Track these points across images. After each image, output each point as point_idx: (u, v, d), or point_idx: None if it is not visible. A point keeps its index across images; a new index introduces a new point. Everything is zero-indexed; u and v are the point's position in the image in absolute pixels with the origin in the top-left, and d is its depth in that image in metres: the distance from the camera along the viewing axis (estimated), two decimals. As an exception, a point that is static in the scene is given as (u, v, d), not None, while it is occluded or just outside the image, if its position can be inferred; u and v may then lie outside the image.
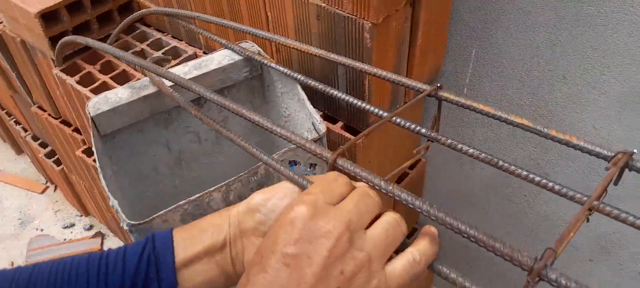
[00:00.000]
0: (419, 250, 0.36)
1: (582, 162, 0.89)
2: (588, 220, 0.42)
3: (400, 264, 0.35)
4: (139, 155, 0.77)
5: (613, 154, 0.41)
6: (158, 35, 1.12)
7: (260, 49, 0.78)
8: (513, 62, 0.86)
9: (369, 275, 0.33)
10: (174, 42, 1.08)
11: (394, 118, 0.52)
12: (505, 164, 0.48)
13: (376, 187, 0.39)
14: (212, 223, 0.44)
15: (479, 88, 0.94)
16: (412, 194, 0.37)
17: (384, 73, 0.56)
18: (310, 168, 0.64)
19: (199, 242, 0.43)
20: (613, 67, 0.75)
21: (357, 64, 0.60)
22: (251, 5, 0.83)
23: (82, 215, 1.79)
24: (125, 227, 0.56)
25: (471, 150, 0.51)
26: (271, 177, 0.62)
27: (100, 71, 1.02)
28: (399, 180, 1.05)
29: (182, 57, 1.03)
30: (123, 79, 1.00)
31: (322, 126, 0.63)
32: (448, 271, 0.36)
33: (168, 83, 0.72)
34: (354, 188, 0.37)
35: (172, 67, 0.88)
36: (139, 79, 0.74)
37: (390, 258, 0.35)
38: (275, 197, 0.42)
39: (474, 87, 0.95)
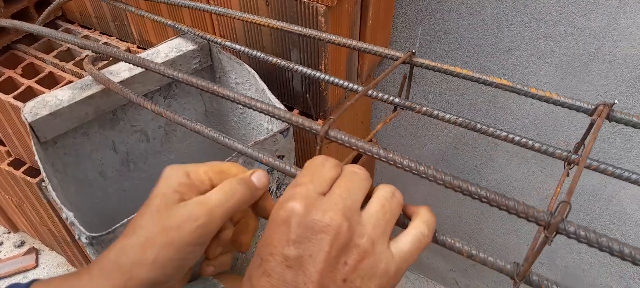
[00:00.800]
0: (426, 221, 0.35)
1: (528, 130, 0.93)
2: (568, 174, 0.43)
3: (408, 241, 0.34)
4: (85, 160, 0.70)
5: (594, 106, 0.42)
6: (84, 31, 1.03)
7: (211, 38, 0.73)
8: (459, 37, 0.88)
9: (375, 259, 0.32)
10: (104, 39, 1.00)
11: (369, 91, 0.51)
12: (483, 126, 0.49)
13: (374, 155, 0.38)
14: (80, 279, 0.36)
15: (426, 65, 0.96)
16: (414, 160, 0.36)
17: (357, 43, 0.55)
18: (278, 160, 0.61)
19: None
20: (555, 36, 0.78)
21: (324, 34, 0.58)
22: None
23: (10, 232, 1.64)
24: (84, 240, 0.51)
25: (448, 116, 0.51)
26: (250, 164, 0.59)
27: (22, 75, 0.92)
28: (354, 160, 1.05)
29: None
30: (51, 82, 0.91)
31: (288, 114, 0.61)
32: (452, 241, 0.36)
33: (118, 79, 0.67)
34: (341, 168, 0.36)
35: (105, 66, 0.81)
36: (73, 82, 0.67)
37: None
38: (190, 259, 0.37)
39: (421, 64, 0.96)
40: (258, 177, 0.40)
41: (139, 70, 0.69)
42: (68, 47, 0.97)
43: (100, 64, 0.91)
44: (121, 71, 0.68)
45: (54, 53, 0.95)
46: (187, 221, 0.35)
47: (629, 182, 0.42)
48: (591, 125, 0.43)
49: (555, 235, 0.31)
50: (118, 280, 0.34)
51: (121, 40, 0.99)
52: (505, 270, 0.34)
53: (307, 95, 0.79)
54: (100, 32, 1.02)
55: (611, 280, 1.10)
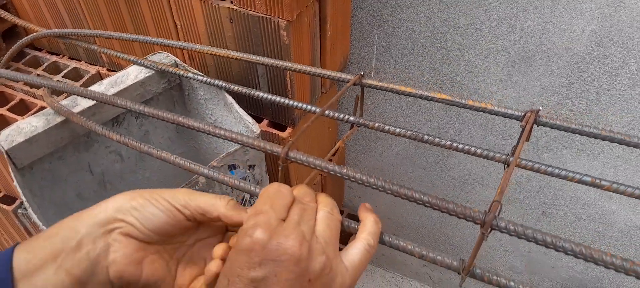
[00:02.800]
0: (370, 233, 0.40)
1: (483, 126, 1.00)
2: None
3: (357, 253, 0.38)
4: (61, 183, 0.73)
5: (523, 113, 0.48)
6: (52, 58, 1.05)
7: (176, 59, 0.77)
8: (412, 43, 0.94)
9: (333, 273, 0.36)
10: (73, 63, 1.02)
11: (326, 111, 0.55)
12: (430, 137, 0.53)
13: (330, 172, 0.42)
14: (63, 226, 0.39)
15: (384, 70, 1.01)
16: (365, 173, 0.41)
17: (313, 69, 0.60)
18: (249, 169, 0.65)
19: (41, 250, 0.37)
20: (498, 36, 0.85)
21: (284, 63, 0.62)
22: (157, 16, 0.82)
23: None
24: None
25: (397, 130, 0.56)
26: (213, 184, 0.63)
27: (-7, 104, 0.94)
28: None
29: (84, 78, 0.98)
30: (22, 109, 0.93)
31: (256, 127, 0.65)
32: (405, 244, 0.40)
33: (78, 108, 0.69)
34: (293, 194, 0.40)
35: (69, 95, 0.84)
36: (46, 108, 0.70)
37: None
38: (151, 205, 0.39)
39: (380, 69, 1.02)
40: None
41: (120, 87, 0.71)
42: (38, 74, 0.99)
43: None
44: (108, 89, 0.70)
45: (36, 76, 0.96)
46: (185, 192, 0.40)
47: (559, 177, 0.48)
48: (523, 131, 0.48)
49: (491, 231, 0.36)
50: (96, 205, 0.39)
51: (91, 63, 1.01)
52: (453, 267, 0.39)
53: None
54: (69, 57, 1.04)
55: (571, 261, 1.17)
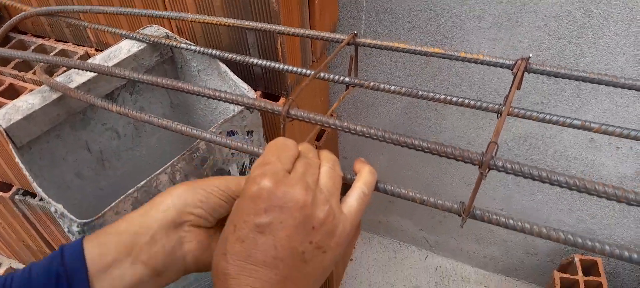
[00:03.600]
0: (365, 182, 0.42)
1: (474, 86, 1.01)
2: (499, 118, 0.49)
3: (354, 201, 0.40)
4: (60, 163, 0.73)
5: (514, 61, 0.49)
6: (39, 41, 1.04)
7: (168, 32, 0.77)
8: (400, 6, 0.95)
9: (334, 221, 0.37)
10: (60, 45, 1.02)
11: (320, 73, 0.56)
12: (424, 92, 0.54)
13: (332, 126, 0.44)
14: (133, 222, 0.41)
15: (374, 34, 1.02)
16: (366, 125, 0.42)
17: (305, 31, 0.60)
18: (248, 135, 0.66)
19: (114, 245, 0.40)
20: (485, -6, 0.86)
21: (275, 27, 0.62)
22: (145, -11, 0.81)
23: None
24: (75, 229, 0.54)
25: (392, 88, 0.57)
26: (213, 150, 0.64)
27: (-18, 89, 0.93)
28: (317, 137, 1.11)
29: (73, 59, 0.97)
30: (12, 93, 0.93)
31: (252, 92, 0.66)
32: (406, 191, 0.42)
33: (74, 84, 0.69)
34: (299, 148, 0.41)
35: (61, 73, 0.83)
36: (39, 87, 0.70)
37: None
38: (213, 196, 0.42)
39: (370, 34, 1.03)
40: None
41: (113, 62, 0.71)
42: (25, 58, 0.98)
43: (59, 71, 0.93)
44: (84, 72, 0.71)
45: (12, 64, 0.96)
46: (233, 179, 0.44)
47: (550, 123, 0.49)
48: (514, 78, 0.49)
49: (488, 171, 0.38)
50: (157, 198, 0.42)
51: (78, 45, 1.01)
52: (453, 209, 0.40)
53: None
54: (56, 40, 1.03)
55: (562, 215, 1.20)
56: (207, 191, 0.42)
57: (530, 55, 0.48)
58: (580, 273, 1.15)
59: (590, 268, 1.19)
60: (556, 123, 0.50)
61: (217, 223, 0.44)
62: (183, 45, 0.72)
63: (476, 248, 1.44)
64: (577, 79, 0.48)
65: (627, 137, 0.45)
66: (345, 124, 0.44)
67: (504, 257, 1.41)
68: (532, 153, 1.09)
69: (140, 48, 0.73)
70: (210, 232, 0.43)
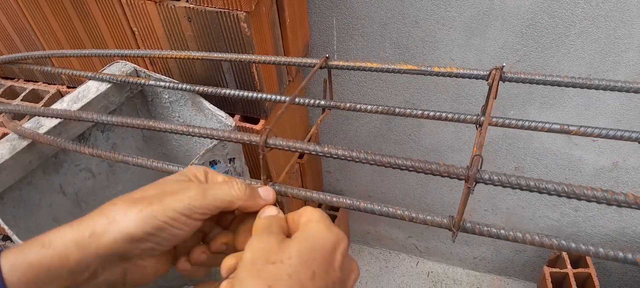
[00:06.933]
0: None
1: (448, 94, 1.02)
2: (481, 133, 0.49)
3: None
4: (35, 210, 0.71)
5: (488, 72, 0.49)
6: (7, 83, 1.02)
7: (136, 67, 0.76)
8: (370, 20, 0.95)
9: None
10: (30, 86, 0.99)
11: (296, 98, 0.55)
12: (401, 109, 0.54)
13: (312, 152, 0.43)
14: (66, 256, 0.34)
15: (346, 51, 1.02)
16: (347, 149, 0.42)
17: (278, 58, 0.59)
18: (230, 163, 0.65)
19: (48, 285, 0.34)
20: (453, 2, 0.87)
21: (248, 56, 0.62)
22: (112, 25, 0.80)
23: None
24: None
25: (369, 107, 0.57)
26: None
27: (-51, 139, 0.90)
28: (301, 154, 1.10)
29: (45, 99, 0.95)
30: (-19, 139, 0.90)
31: (230, 120, 0.65)
32: (394, 209, 0.41)
33: (43, 129, 0.67)
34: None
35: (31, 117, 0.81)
36: (8, 134, 0.68)
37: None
38: (168, 227, 0.36)
39: (342, 51, 1.03)
40: (265, 190, 0.42)
41: (82, 102, 0.69)
42: (-8, 103, 0.96)
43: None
44: (71, 106, 0.68)
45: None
46: (181, 191, 0.37)
47: (529, 129, 0.50)
48: (490, 88, 0.49)
49: (476, 184, 0.37)
50: (98, 225, 0.35)
51: (49, 83, 0.98)
52: (443, 224, 0.40)
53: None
54: (25, 80, 1.01)
55: (547, 210, 1.22)
56: (160, 220, 0.35)
57: (504, 64, 0.49)
58: (569, 266, 1.16)
59: (578, 260, 1.20)
60: (535, 129, 0.50)
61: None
62: (152, 82, 0.70)
63: (466, 250, 1.44)
64: (552, 84, 0.49)
65: (606, 137, 0.46)
66: (326, 149, 0.43)
67: (494, 256, 1.42)
68: (512, 153, 1.10)
69: (108, 86, 0.72)
70: (159, 260, 0.39)
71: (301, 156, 1.11)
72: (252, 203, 0.40)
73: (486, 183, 0.37)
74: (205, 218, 0.37)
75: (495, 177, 0.37)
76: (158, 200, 0.36)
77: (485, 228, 0.38)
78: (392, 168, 0.41)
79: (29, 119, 0.69)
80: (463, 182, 0.38)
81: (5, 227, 0.54)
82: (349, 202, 0.43)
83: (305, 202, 0.53)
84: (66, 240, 0.35)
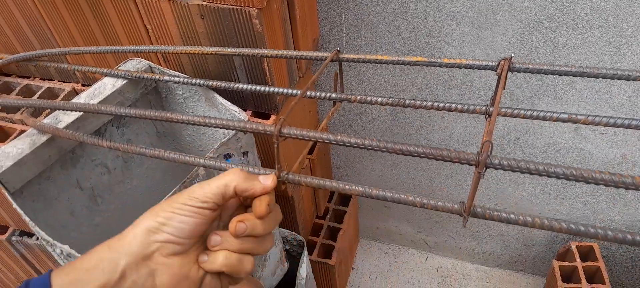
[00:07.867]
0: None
1: (457, 88, 1.03)
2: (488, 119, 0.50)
3: None
4: (53, 204, 0.73)
5: (497, 62, 0.50)
6: (24, 81, 1.04)
7: (150, 63, 0.77)
8: (379, 16, 0.96)
9: None
10: (46, 84, 1.01)
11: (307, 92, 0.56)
12: (411, 101, 0.55)
13: (325, 141, 0.44)
14: (101, 258, 0.39)
15: (355, 48, 1.03)
16: (359, 137, 0.43)
17: (290, 52, 0.61)
18: (244, 156, 0.66)
19: (85, 284, 0.38)
20: (461, -3, 0.88)
21: (260, 50, 0.63)
22: (127, 23, 0.82)
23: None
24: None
25: (379, 99, 0.58)
26: (212, 174, 0.64)
27: (-32, 135, 0.92)
28: (311, 149, 1.11)
29: (60, 97, 0.97)
30: (2, 135, 0.92)
31: (243, 114, 0.66)
32: (405, 196, 0.42)
33: (62, 124, 0.69)
34: None
35: (49, 113, 0.83)
36: (26, 131, 0.69)
37: None
38: (176, 215, 0.41)
39: (351, 48, 1.04)
40: (265, 176, 0.45)
41: (98, 99, 0.71)
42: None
43: (46, 112, 0.92)
44: (71, 111, 0.70)
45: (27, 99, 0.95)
46: (198, 187, 0.42)
47: (538, 119, 0.50)
48: (499, 79, 0.50)
49: (486, 169, 0.38)
50: (125, 230, 0.41)
51: (64, 82, 1.01)
52: (454, 210, 0.41)
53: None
54: (41, 79, 1.03)
55: (556, 204, 1.22)
56: (168, 211, 0.40)
57: (512, 54, 0.50)
58: (578, 259, 1.17)
59: (587, 254, 1.20)
60: (543, 118, 0.51)
61: (193, 246, 0.42)
62: (166, 78, 0.72)
63: (475, 245, 1.45)
64: (560, 73, 0.49)
65: (613, 125, 0.47)
66: (339, 137, 0.44)
67: (503, 251, 1.42)
68: (521, 147, 1.11)
69: (124, 82, 0.73)
70: (184, 260, 0.41)
71: (311, 152, 1.12)
72: (249, 185, 0.42)
73: (496, 168, 0.38)
74: (208, 205, 0.41)
75: (505, 162, 0.38)
76: (167, 200, 0.42)
77: (496, 213, 0.39)
78: (403, 155, 0.42)
79: (46, 116, 0.71)
80: (471, 176, 0.39)
81: (27, 219, 0.56)
82: (361, 189, 0.44)
83: (317, 190, 0.55)
84: (102, 246, 0.40)
